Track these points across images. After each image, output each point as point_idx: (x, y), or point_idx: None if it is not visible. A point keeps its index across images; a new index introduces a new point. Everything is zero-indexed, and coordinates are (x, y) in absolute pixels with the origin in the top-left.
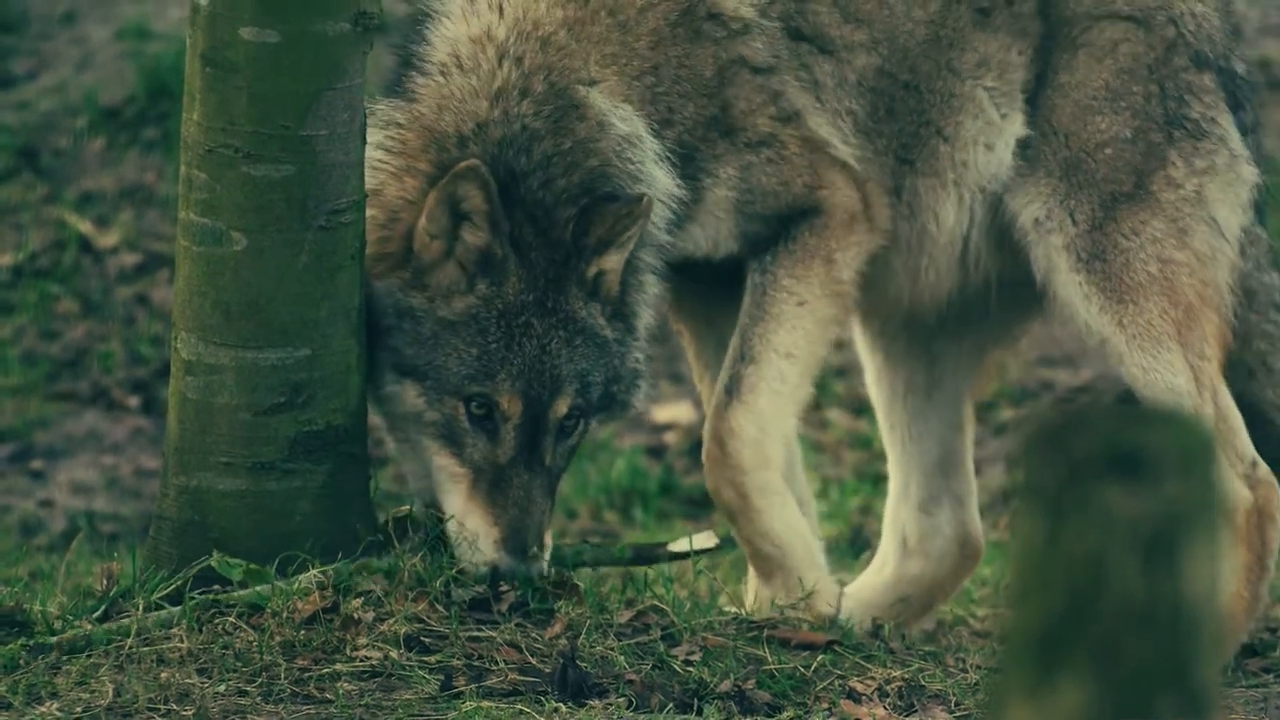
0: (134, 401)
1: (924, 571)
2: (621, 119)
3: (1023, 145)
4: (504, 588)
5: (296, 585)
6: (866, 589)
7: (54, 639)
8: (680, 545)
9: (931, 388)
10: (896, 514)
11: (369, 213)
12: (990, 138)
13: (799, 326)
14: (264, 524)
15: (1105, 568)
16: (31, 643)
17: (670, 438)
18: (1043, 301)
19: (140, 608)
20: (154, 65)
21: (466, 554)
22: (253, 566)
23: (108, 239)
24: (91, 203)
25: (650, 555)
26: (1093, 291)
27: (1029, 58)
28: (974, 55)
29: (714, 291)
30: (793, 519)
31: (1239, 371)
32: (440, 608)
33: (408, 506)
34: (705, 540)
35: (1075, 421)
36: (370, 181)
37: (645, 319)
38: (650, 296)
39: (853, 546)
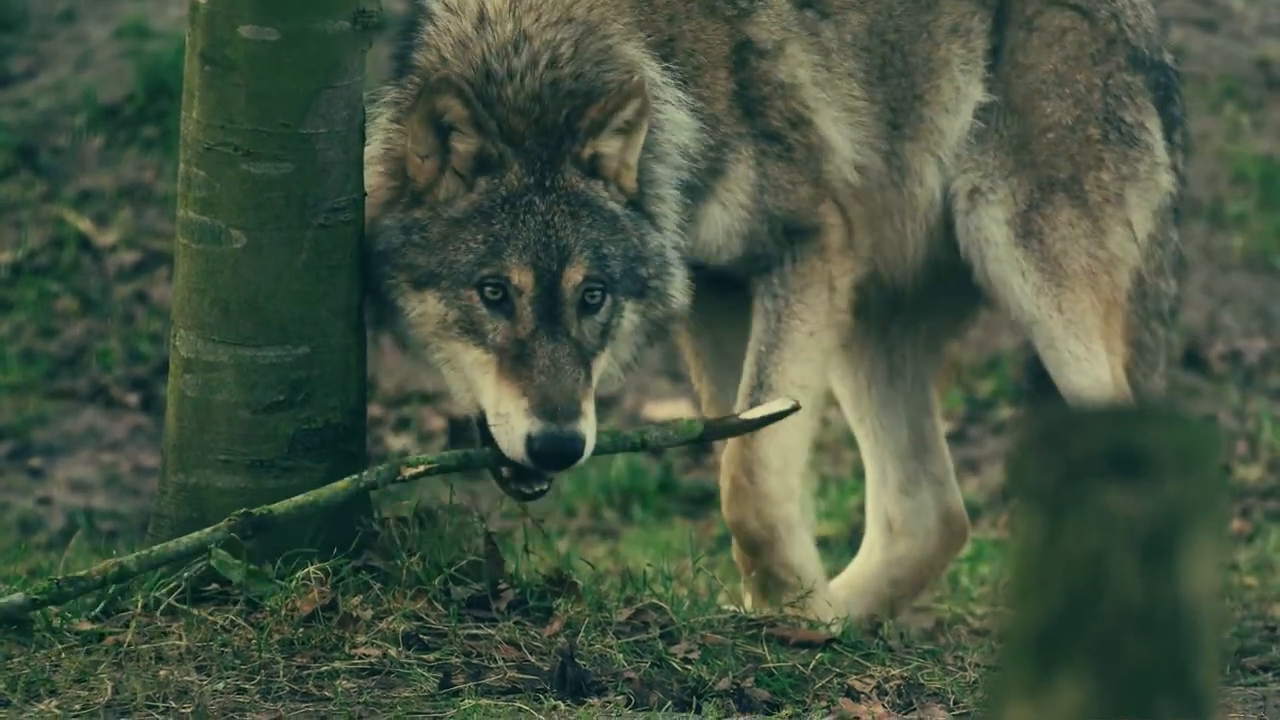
0: (133, 399)
1: (911, 551)
2: (652, 70)
3: (979, 114)
4: (503, 589)
5: (295, 583)
6: (857, 576)
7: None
8: (756, 411)
9: (894, 376)
10: (877, 500)
11: (379, 168)
12: (957, 103)
13: (811, 358)
14: None
15: (1104, 567)
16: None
17: None
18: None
19: (139, 605)
20: (153, 63)
21: (505, 440)
22: (252, 567)
23: (107, 237)
24: (90, 201)
25: (725, 428)
26: (1030, 269)
27: (989, 27)
28: (947, 19)
29: (710, 293)
30: (810, 549)
31: None
32: (439, 606)
33: (407, 504)
34: (782, 404)
35: (1074, 421)
36: (382, 149)
37: (669, 227)
38: (672, 210)
39: (851, 545)
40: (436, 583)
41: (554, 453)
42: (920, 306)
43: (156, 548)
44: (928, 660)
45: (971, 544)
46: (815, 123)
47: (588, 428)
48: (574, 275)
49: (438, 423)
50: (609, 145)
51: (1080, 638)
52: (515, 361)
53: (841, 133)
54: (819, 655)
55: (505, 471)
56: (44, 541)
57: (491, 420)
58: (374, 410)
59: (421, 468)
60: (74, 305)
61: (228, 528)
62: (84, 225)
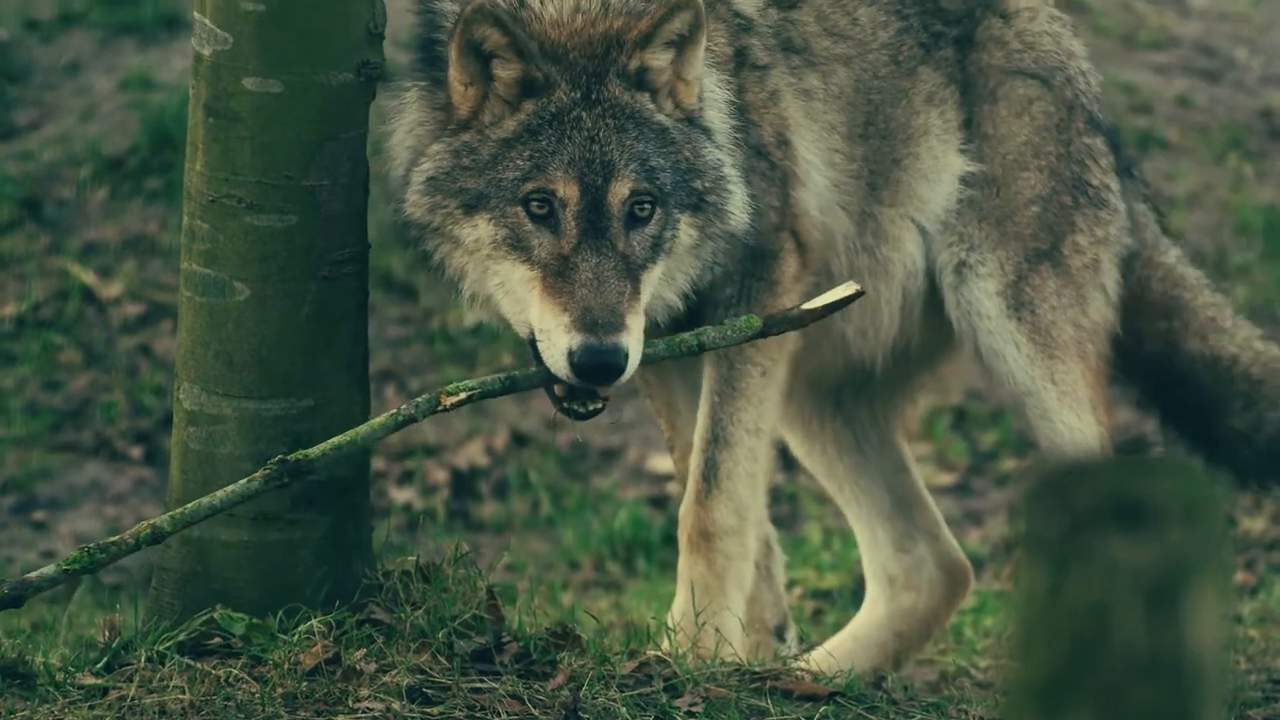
0: (136, 452)
1: (916, 604)
2: None
3: (965, 183)
4: (506, 642)
5: (298, 636)
6: (863, 628)
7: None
8: (818, 301)
9: (860, 443)
10: (874, 559)
11: (420, 115)
12: (937, 172)
13: (765, 399)
14: (266, 575)
15: (1108, 617)
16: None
17: (673, 488)
18: (952, 348)
19: (142, 659)
20: (157, 115)
21: (548, 357)
22: (255, 621)
23: (111, 289)
24: (94, 253)
25: (785, 320)
26: (1023, 341)
27: (958, 98)
28: (924, 87)
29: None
30: (741, 616)
31: (1193, 330)
32: (442, 659)
33: (412, 557)
34: (845, 290)
35: (1077, 471)
36: (421, 113)
37: (726, 144)
38: (727, 138)
39: (855, 597)
40: (440, 636)
41: (594, 366)
42: (865, 380)
43: (190, 505)
44: (932, 713)
45: (975, 596)
46: (795, 146)
47: (630, 341)
48: (620, 189)
49: (441, 475)
50: (658, 58)
51: (1084, 688)
52: (558, 277)
53: (817, 169)
54: (823, 709)
55: (558, 390)
56: (47, 595)
57: (537, 337)
58: (377, 464)
59: (463, 395)
60: (78, 358)
61: (264, 477)
62: (88, 278)
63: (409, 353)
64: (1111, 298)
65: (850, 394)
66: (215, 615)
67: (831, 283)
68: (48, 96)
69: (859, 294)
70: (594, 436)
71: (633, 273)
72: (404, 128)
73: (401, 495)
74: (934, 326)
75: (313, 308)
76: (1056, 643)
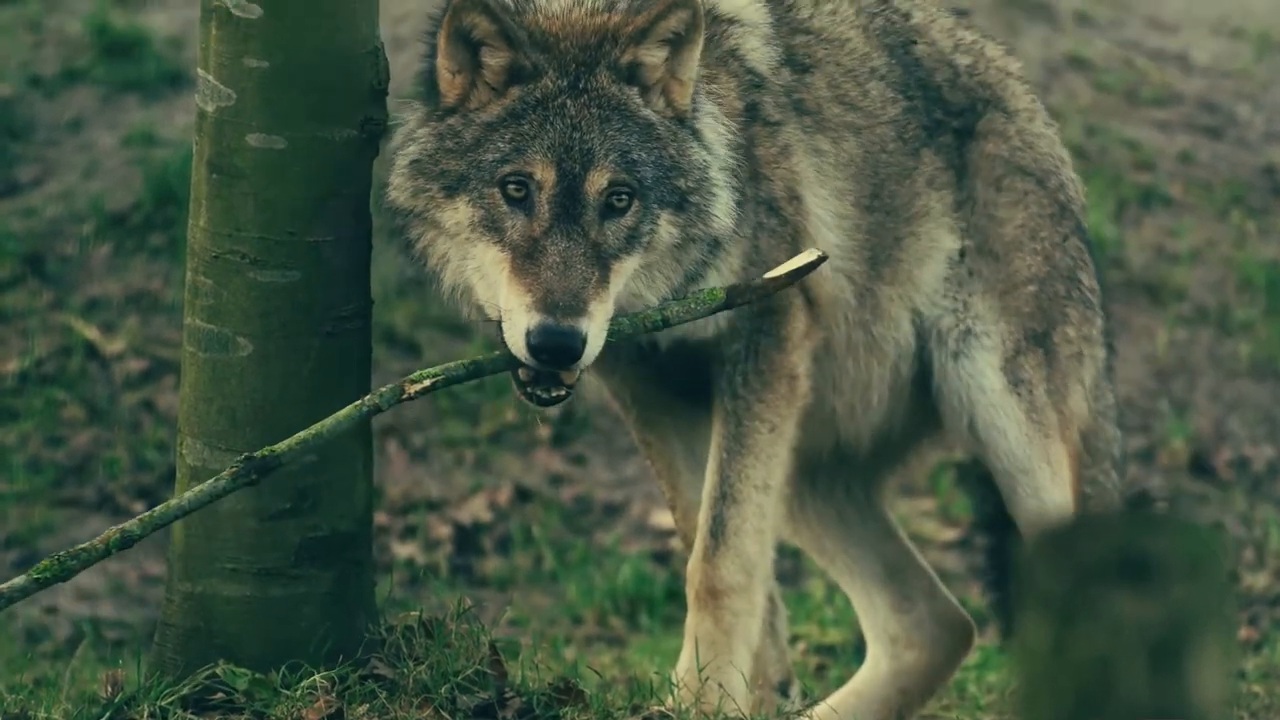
0: (139, 507)
1: (919, 661)
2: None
3: (955, 261)
4: (510, 697)
5: (301, 691)
6: (866, 685)
7: None
8: (781, 269)
9: (845, 517)
10: (873, 623)
11: (420, 113)
12: (931, 252)
13: (774, 455)
14: (269, 630)
15: (1112, 672)
16: None
17: (676, 543)
18: (934, 434)
19: (145, 715)
20: (160, 171)
21: (509, 337)
22: (258, 676)
23: (114, 345)
24: (98, 309)
25: (750, 290)
26: (1022, 419)
27: (954, 180)
28: (927, 169)
29: (679, 401)
30: (747, 674)
31: None
32: (445, 714)
33: (415, 613)
34: (807, 256)
35: (1082, 526)
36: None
37: (718, 150)
38: (723, 148)
39: (858, 652)
40: (443, 691)
41: (550, 347)
42: (840, 462)
43: (159, 509)
44: None
45: (978, 651)
46: (806, 201)
47: (590, 325)
48: (598, 179)
49: (444, 530)
50: (652, 55)
51: None
52: (526, 259)
53: (828, 225)
54: None
55: (522, 374)
56: (50, 651)
57: (502, 318)
58: (380, 518)
59: (427, 382)
60: (81, 414)
61: (231, 475)
62: (91, 333)
63: (411, 408)
64: (1088, 394)
65: (826, 472)
66: (218, 670)
67: (830, 356)
68: (51, 153)
69: (822, 258)
70: (597, 492)
71: (603, 261)
72: (402, 130)
73: (404, 550)
74: (920, 412)
75: (316, 363)
76: (1060, 698)
